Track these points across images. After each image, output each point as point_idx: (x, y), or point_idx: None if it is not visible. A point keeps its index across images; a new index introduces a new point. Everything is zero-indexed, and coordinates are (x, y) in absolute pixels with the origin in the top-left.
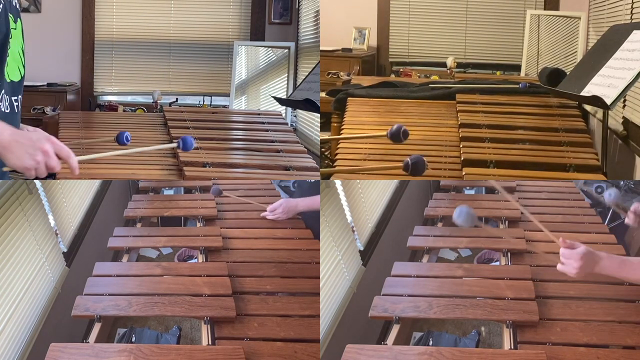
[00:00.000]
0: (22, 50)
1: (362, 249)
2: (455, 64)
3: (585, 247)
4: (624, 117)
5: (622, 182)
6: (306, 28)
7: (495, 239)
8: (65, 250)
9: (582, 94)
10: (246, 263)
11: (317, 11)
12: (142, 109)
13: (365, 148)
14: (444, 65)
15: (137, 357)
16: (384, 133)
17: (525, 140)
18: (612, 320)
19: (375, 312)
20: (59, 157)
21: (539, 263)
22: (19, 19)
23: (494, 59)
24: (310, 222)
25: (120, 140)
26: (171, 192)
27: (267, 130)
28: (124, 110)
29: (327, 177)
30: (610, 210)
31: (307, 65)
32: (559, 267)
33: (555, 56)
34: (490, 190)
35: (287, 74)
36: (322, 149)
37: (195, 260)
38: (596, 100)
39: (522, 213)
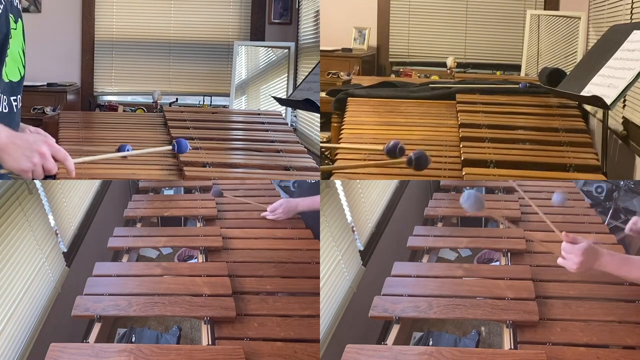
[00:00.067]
0: (23, 51)
1: (362, 249)
2: (455, 64)
3: (587, 242)
4: (624, 117)
5: (622, 182)
6: (306, 28)
7: (495, 239)
8: (65, 250)
9: (582, 94)
10: (246, 263)
11: (317, 11)
12: (142, 109)
13: (365, 148)
14: (444, 65)
15: (137, 357)
16: (381, 148)
17: (525, 140)
18: (612, 320)
19: (375, 312)
20: (56, 160)
21: (539, 263)
22: (19, 19)
23: (494, 59)
24: (310, 222)
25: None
26: (171, 192)
27: (267, 130)
28: (124, 110)
29: (327, 176)
30: (610, 210)
31: (307, 65)
32: (559, 260)
33: (555, 56)
34: (490, 190)
35: (287, 74)
36: (322, 149)
37: (195, 260)
38: (596, 100)
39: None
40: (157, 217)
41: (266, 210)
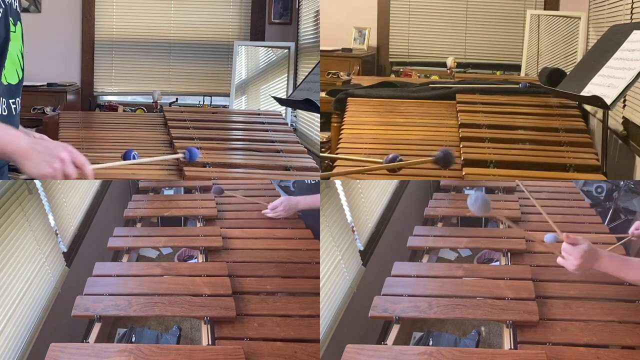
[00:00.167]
0: (21, 53)
1: (362, 249)
2: (455, 64)
3: (588, 244)
4: (624, 117)
5: (622, 182)
6: (306, 28)
7: (495, 239)
8: (65, 250)
9: (582, 94)
10: (246, 263)
11: (317, 11)
12: (142, 109)
13: (365, 148)
14: (444, 65)
15: (137, 357)
16: (380, 160)
17: (525, 140)
18: (612, 320)
19: (375, 312)
20: (75, 165)
21: (539, 263)
22: (19, 22)
23: (494, 59)
24: (310, 222)
25: (127, 159)
26: (171, 192)
27: (267, 130)
28: (124, 110)
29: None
30: (610, 210)
31: (307, 65)
32: (559, 260)
33: (555, 56)
34: (490, 190)
35: (287, 74)
36: (322, 149)
37: (195, 260)
38: (596, 100)
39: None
40: (157, 217)
41: (267, 208)
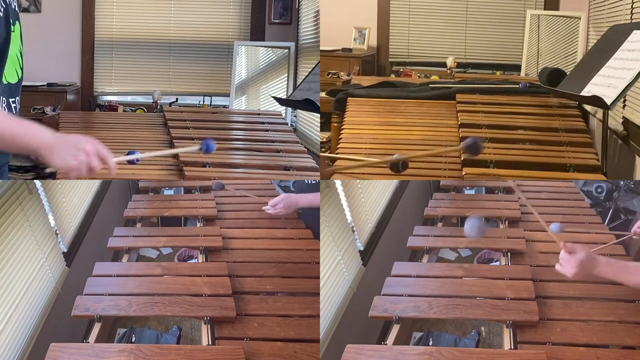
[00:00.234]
0: (20, 53)
1: (362, 249)
2: (455, 64)
3: (584, 253)
4: (624, 117)
5: (622, 182)
6: (306, 28)
7: (495, 239)
8: (65, 250)
9: (582, 94)
10: (246, 263)
11: (317, 11)
12: (142, 109)
13: (366, 148)
14: (444, 65)
15: (137, 357)
16: (383, 160)
17: (525, 140)
18: (612, 320)
19: (375, 312)
20: (99, 158)
21: (539, 263)
22: (17, 22)
23: (494, 59)
24: (310, 222)
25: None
26: (171, 192)
27: (267, 130)
28: (124, 110)
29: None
30: (610, 210)
31: (307, 65)
32: (557, 267)
33: (555, 56)
34: (490, 190)
35: (287, 74)
36: (322, 149)
37: (195, 260)
38: (596, 100)
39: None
40: (157, 217)
41: (267, 205)
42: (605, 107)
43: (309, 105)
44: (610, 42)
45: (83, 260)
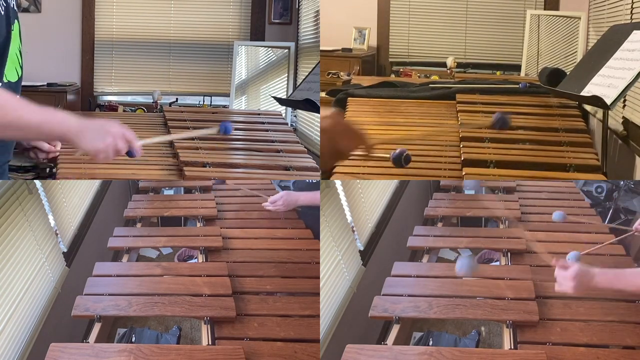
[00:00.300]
0: (20, 51)
1: (362, 249)
2: (455, 64)
3: (577, 266)
4: (624, 117)
5: (622, 182)
6: (306, 28)
7: (495, 239)
8: (65, 250)
9: (582, 94)
10: (246, 263)
11: (317, 11)
12: (142, 109)
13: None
14: (444, 65)
15: (137, 357)
16: (386, 155)
17: (525, 140)
18: (612, 320)
19: (375, 312)
20: (124, 140)
21: (539, 263)
22: (16, 20)
23: (494, 59)
24: (310, 222)
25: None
26: (171, 192)
27: (267, 130)
28: (124, 110)
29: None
30: (610, 210)
31: (307, 65)
32: (556, 287)
33: (555, 56)
34: (490, 190)
35: (287, 74)
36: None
37: (195, 260)
38: (596, 100)
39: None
40: (157, 217)
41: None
42: (605, 107)
43: (309, 105)
44: (610, 42)
45: (83, 260)
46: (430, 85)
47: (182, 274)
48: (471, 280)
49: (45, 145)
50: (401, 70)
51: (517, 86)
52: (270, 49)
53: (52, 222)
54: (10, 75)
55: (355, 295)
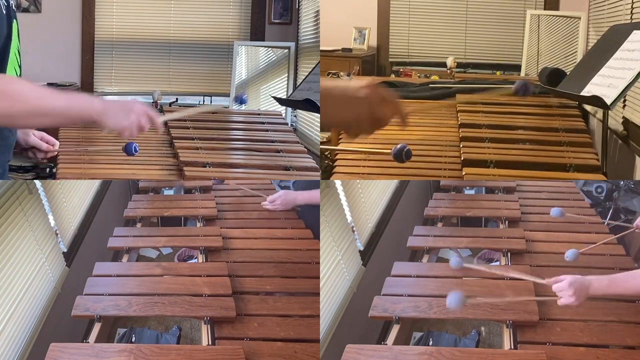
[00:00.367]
0: (18, 51)
1: (362, 249)
2: (455, 64)
3: (570, 276)
4: (624, 117)
5: (622, 182)
6: (306, 28)
7: (495, 239)
8: (65, 250)
9: (582, 94)
10: (246, 263)
11: (317, 11)
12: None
13: (366, 148)
14: (444, 65)
15: (137, 357)
16: (387, 151)
17: (525, 140)
18: (612, 320)
19: (375, 312)
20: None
21: (539, 263)
22: (14, 20)
23: (494, 59)
24: (310, 222)
25: (128, 151)
26: (171, 192)
27: (267, 130)
28: None
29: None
30: (610, 210)
31: (307, 65)
32: (559, 302)
33: (555, 56)
34: (490, 190)
35: (287, 74)
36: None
37: (195, 260)
38: (596, 100)
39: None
40: (157, 217)
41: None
42: (605, 107)
43: (309, 105)
44: (610, 42)
45: (83, 260)
46: (430, 85)
47: (182, 274)
48: (471, 280)
49: (44, 145)
50: (401, 70)
51: None
52: (270, 49)
53: (52, 222)
54: (10, 74)
55: (355, 295)
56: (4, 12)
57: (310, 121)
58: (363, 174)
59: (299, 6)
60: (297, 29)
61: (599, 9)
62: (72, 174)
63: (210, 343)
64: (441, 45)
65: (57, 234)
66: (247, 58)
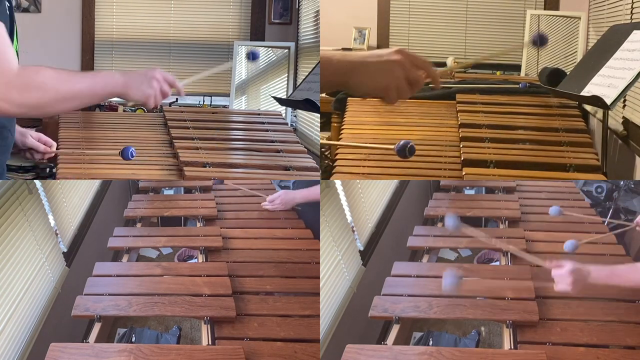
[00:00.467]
0: (17, 52)
1: (362, 249)
2: (456, 64)
3: (572, 263)
4: (624, 117)
5: (622, 182)
6: (306, 28)
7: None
8: (65, 250)
9: (582, 94)
10: (246, 263)
11: (317, 11)
12: (142, 109)
13: (366, 148)
14: (444, 65)
15: (137, 357)
16: (390, 146)
17: (525, 140)
18: (612, 320)
19: (375, 312)
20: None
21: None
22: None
23: (494, 59)
24: (310, 222)
25: (125, 156)
26: (171, 192)
27: (267, 130)
28: (124, 110)
29: (327, 176)
30: (610, 210)
31: (307, 65)
32: (555, 287)
33: (555, 56)
34: (490, 190)
35: (287, 74)
36: (322, 149)
37: (195, 260)
38: (596, 100)
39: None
40: (157, 217)
41: (266, 201)
42: (605, 107)
43: (309, 105)
44: (610, 42)
45: (83, 260)
46: (430, 85)
47: (182, 274)
48: (471, 280)
49: (41, 147)
50: None
51: (517, 86)
52: (270, 49)
53: (52, 222)
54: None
55: (355, 295)
56: (8, 12)
57: (310, 121)
58: (363, 174)
59: (299, 6)
60: (297, 29)
61: (599, 9)
62: (72, 174)
63: (210, 343)
64: (441, 45)
65: (57, 234)
66: (247, 58)
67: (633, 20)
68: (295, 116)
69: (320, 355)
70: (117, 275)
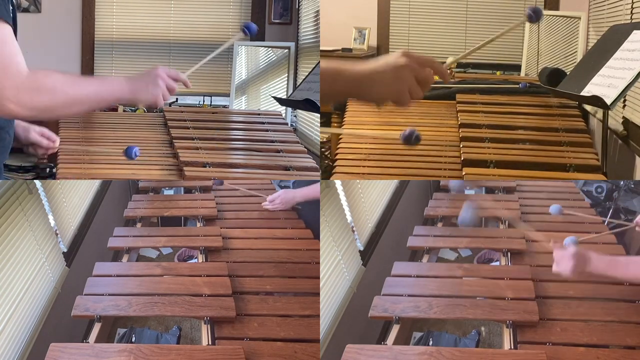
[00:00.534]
0: None
1: (362, 249)
2: (456, 64)
3: (575, 247)
4: (624, 117)
5: (622, 182)
6: (306, 28)
7: (495, 239)
8: (65, 250)
9: (582, 94)
10: (246, 263)
11: (317, 11)
12: (142, 109)
13: (366, 148)
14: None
15: (137, 357)
16: (395, 134)
17: (525, 140)
18: (612, 320)
19: (375, 312)
20: (172, 78)
21: (539, 263)
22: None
23: (494, 59)
24: (310, 222)
25: (129, 155)
26: (171, 192)
27: (267, 130)
28: (124, 110)
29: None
30: (610, 210)
31: (307, 65)
32: (554, 268)
33: (555, 56)
34: (490, 190)
35: (287, 74)
36: (322, 149)
37: (195, 260)
38: (596, 100)
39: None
40: (157, 217)
41: (266, 201)
42: (605, 107)
43: (309, 105)
44: (610, 42)
45: (83, 260)
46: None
47: (182, 274)
48: (471, 280)
49: (44, 142)
50: None
51: (517, 86)
52: (270, 49)
53: (52, 222)
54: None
55: (355, 295)
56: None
57: (310, 121)
58: (363, 174)
59: (299, 6)
60: (297, 29)
61: (599, 9)
62: (72, 174)
63: (210, 343)
64: (441, 45)
65: (57, 234)
66: (247, 58)
67: (633, 20)
68: (295, 116)
69: (320, 355)
70: (117, 275)
